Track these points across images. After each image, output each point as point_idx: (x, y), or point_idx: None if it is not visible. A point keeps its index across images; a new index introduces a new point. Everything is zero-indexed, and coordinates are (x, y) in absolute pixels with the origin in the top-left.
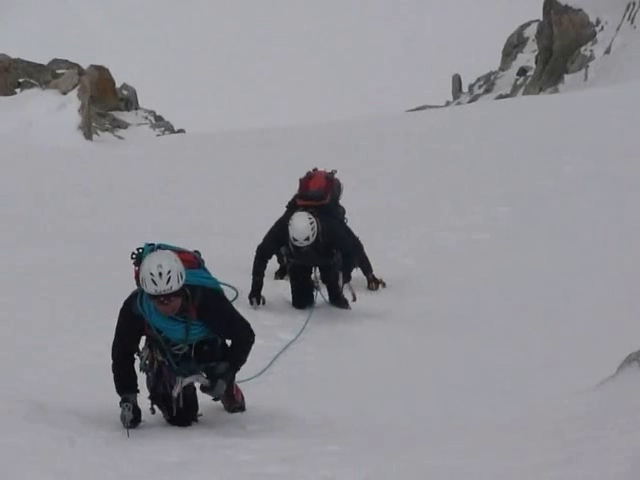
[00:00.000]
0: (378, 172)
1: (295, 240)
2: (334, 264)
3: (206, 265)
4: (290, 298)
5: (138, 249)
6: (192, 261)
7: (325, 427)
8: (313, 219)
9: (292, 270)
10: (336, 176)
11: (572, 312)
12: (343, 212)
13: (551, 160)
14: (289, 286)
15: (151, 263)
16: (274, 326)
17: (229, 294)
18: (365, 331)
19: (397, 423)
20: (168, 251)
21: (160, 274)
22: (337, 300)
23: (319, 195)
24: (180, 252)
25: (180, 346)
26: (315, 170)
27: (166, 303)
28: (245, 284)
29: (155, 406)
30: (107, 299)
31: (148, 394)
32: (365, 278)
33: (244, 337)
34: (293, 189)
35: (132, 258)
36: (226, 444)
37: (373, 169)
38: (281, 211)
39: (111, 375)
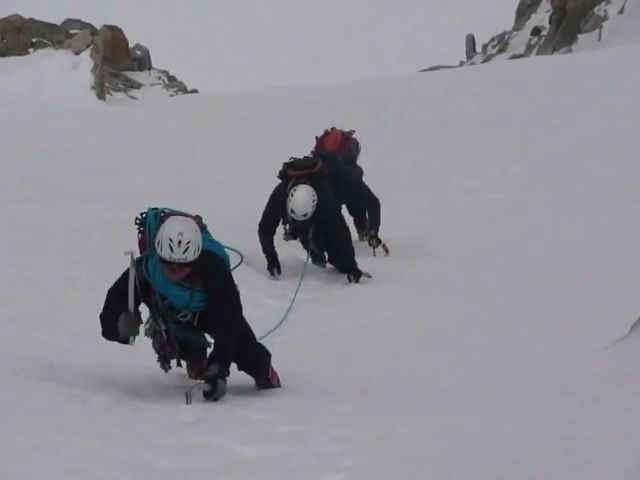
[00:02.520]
0: (390, 132)
1: (293, 213)
2: (331, 229)
3: (211, 230)
4: (303, 257)
5: (142, 214)
6: (196, 225)
7: (337, 387)
8: (316, 195)
9: (292, 234)
10: (354, 136)
11: (585, 272)
12: (360, 172)
13: (564, 120)
14: (300, 246)
15: (172, 229)
16: (284, 286)
17: (234, 258)
18: (377, 291)
19: (409, 383)
20: (190, 219)
21: (179, 242)
22: (351, 271)
23: (310, 162)
24: (185, 215)
25: (184, 313)
26: (333, 129)
27: (177, 270)
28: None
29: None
30: (121, 259)
31: (156, 357)
32: (367, 235)
33: (232, 322)
34: (308, 147)
35: (136, 223)
36: (239, 403)
37: (385, 129)
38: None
39: None
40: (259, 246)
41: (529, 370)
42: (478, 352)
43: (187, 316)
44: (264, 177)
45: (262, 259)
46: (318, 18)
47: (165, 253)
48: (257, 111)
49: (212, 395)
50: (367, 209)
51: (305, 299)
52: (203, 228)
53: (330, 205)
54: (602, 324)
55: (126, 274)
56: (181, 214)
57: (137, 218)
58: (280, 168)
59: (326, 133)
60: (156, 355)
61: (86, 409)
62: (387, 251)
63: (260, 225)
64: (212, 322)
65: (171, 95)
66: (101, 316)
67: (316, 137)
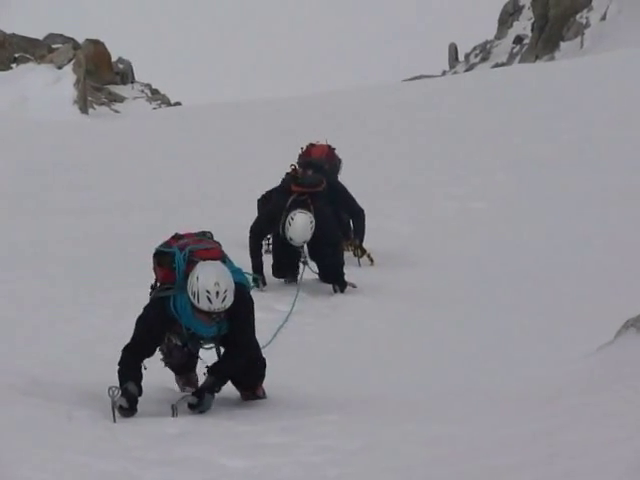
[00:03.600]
0: (375, 141)
1: (291, 240)
2: (323, 242)
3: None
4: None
5: (165, 248)
6: (220, 256)
7: (324, 397)
8: (313, 220)
9: (276, 241)
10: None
11: (570, 279)
12: (343, 188)
13: (548, 127)
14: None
15: (208, 280)
16: (270, 298)
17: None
18: (363, 301)
19: (395, 392)
20: (218, 263)
21: (217, 293)
22: (337, 281)
23: (315, 181)
24: (208, 250)
25: (210, 344)
26: (318, 142)
27: (216, 319)
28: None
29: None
30: (106, 273)
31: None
32: (352, 245)
33: (248, 349)
34: (289, 158)
35: (156, 256)
36: (225, 415)
37: (370, 138)
38: (277, 180)
39: (108, 352)
40: (243, 259)
41: (515, 377)
42: (465, 360)
43: (212, 346)
44: (247, 188)
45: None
46: (299, 28)
47: (204, 305)
48: (240, 123)
49: (197, 408)
50: (352, 219)
51: (293, 311)
52: (225, 256)
53: (329, 224)
54: (587, 330)
55: (148, 319)
56: (204, 248)
57: (160, 252)
58: (271, 180)
59: (312, 145)
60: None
61: (72, 423)
62: (372, 261)
63: (252, 229)
64: (229, 343)
65: (154, 108)
66: (121, 365)
67: (301, 148)
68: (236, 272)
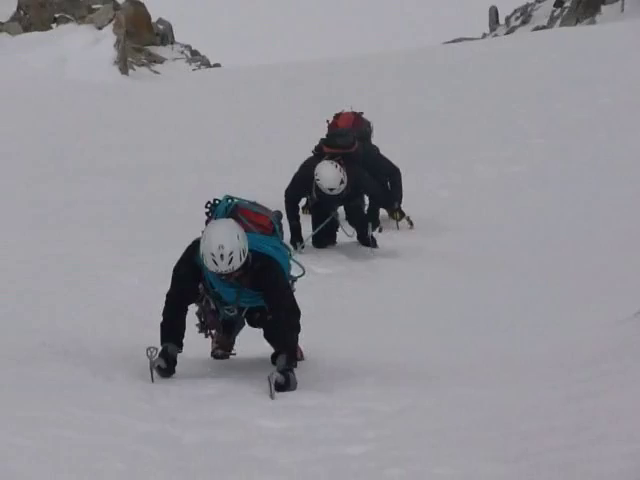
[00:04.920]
0: (415, 105)
1: (327, 189)
2: (358, 205)
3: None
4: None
5: (214, 200)
6: (266, 227)
7: (361, 360)
8: (339, 166)
9: (314, 209)
10: (364, 116)
11: (606, 245)
12: (377, 150)
13: (586, 92)
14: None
15: (212, 241)
16: (307, 259)
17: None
18: (400, 265)
19: (431, 356)
20: (232, 223)
21: (222, 255)
22: (364, 240)
23: (346, 142)
24: (257, 214)
25: (231, 307)
26: (343, 111)
27: (225, 279)
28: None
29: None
30: (143, 234)
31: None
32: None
33: (288, 312)
34: (318, 123)
35: (207, 209)
36: (262, 377)
37: (410, 101)
38: (312, 145)
39: (145, 314)
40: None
41: (551, 342)
42: (499, 325)
43: (233, 311)
44: (286, 152)
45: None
46: None
47: (210, 267)
48: (280, 85)
49: (286, 389)
50: (389, 180)
51: (329, 273)
52: (275, 230)
53: (365, 182)
54: (625, 296)
55: (181, 264)
56: (255, 212)
57: (208, 203)
58: (310, 143)
59: (337, 115)
60: (197, 319)
61: (110, 384)
62: (411, 224)
63: (287, 191)
64: (269, 320)
65: (194, 69)
66: (163, 315)
67: (327, 120)
68: (277, 248)
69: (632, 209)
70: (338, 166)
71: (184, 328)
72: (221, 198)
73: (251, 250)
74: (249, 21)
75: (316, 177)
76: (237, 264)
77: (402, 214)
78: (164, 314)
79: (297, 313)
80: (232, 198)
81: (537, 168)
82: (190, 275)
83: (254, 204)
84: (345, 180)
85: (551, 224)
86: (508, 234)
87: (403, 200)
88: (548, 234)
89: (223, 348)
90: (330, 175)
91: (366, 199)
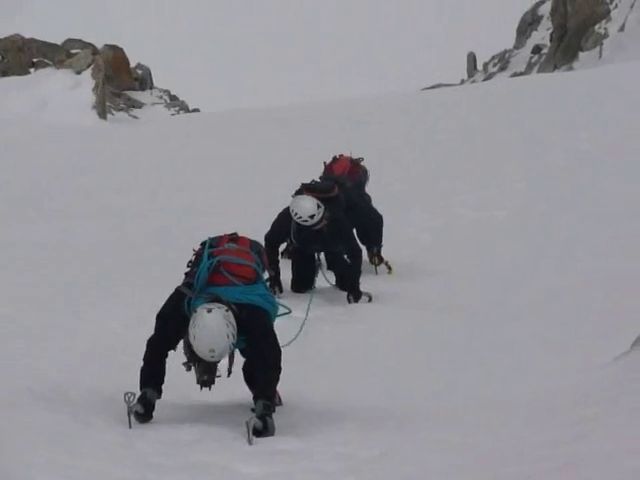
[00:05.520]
0: (395, 148)
1: (299, 217)
2: (339, 252)
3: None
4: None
5: (195, 255)
6: (249, 278)
7: (340, 404)
8: (319, 202)
9: (294, 253)
10: (362, 163)
11: (587, 289)
12: (369, 199)
13: (567, 137)
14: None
15: (203, 343)
16: (287, 304)
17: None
18: (380, 310)
19: (412, 400)
20: (221, 321)
21: (213, 356)
22: (352, 291)
23: (326, 186)
24: (239, 266)
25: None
26: (341, 156)
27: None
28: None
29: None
30: (124, 277)
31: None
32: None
33: (270, 360)
34: (309, 166)
35: (188, 267)
36: (240, 421)
37: (390, 146)
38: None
39: (126, 358)
40: None
41: (532, 387)
42: (481, 369)
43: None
44: (265, 196)
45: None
46: (319, 37)
47: (202, 356)
48: (260, 130)
49: (264, 434)
50: (370, 227)
51: (309, 317)
52: (259, 278)
53: (344, 228)
54: (604, 340)
55: (166, 310)
56: (237, 263)
57: (190, 262)
58: (292, 187)
59: (335, 159)
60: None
61: (89, 429)
62: (390, 269)
63: (266, 236)
64: (252, 363)
65: (172, 114)
66: (144, 360)
67: (324, 162)
68: (262, 295)
69: (611, 252)
70: (314, 199)
71: (164, 374)
72: (205, 239)
73: (236, 303)
74: (228, 66)
75: (292, 211)
76: (226, 354)
77: (381, 259)
78: (145, 359)
79: (278, 356)
80: (214, 244)
81: (518, 212)
82: (175, 325)
83: (235, 248)
84: (322, 211)
85: (532, 267)
86: (489, 279)
87: (383, 244)
88: (529, 277)
89: (208, 373)
90: (306, 204)
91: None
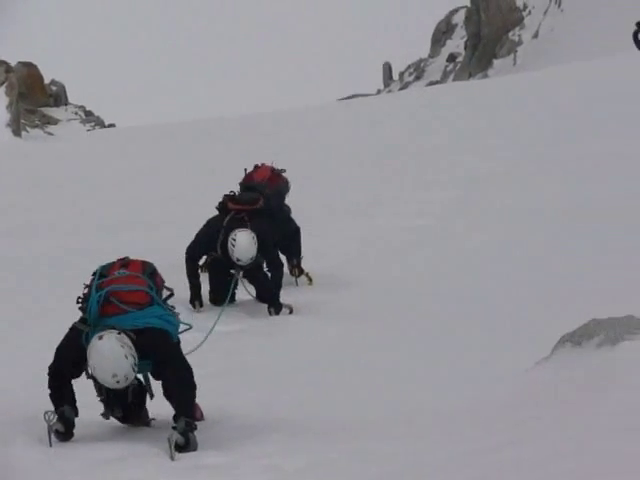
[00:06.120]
0: (316, 161)
1: (239, 260)
2: (259, 264)
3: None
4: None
5: (84, 292)
6: (142, 302)
7: (266, 417)
8: (255, 235)
9: (212, 265)
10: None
11: (507, 297)
12: (289, 210)
13: (484, 144)
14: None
15: (104, 371)
16: (206, 318)
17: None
18: (302, 321)
19: (337, 411)
20: (115, 344)
21: (118, 382)
22: (273, 303)
23: (251, 198)
24: (130, 293)
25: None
26: (263, 164)
27: None
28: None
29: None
30: (36, 299)
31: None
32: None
33: (180, 377)
34: (226, 180)
35: (78, 304)
36: (162, 438)
37: (310, 157)
38: (213, 204)
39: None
40: (180, 280)
41: (457, 394)
42: (407, 379)
43: (131, 385)
44: (184, 210)
45: (184, 292)
46: (232, 48)
47: (106, 384)
48: (173, 144)
49: (187, 449)
50: (289, 239)
51: (229, 330)
52: (153, 300)
53: (268, 242)
54: (527, 345)
55: (65, 341)
56: (127, 290)
57: (80, 298)
58: (210, 200)
59: (256, 167)
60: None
61: (9, 448)
62: (310, 280)
63: (189, 248)
64: (166, 385)
65: (88, 130)
66: (50, 387)
67: (245, 169)
68: (159, 317)
69: (536, 260)
70: (255, 239)
71: (74, 393)
72: (97, 268)
73: (133, 329)
74: (143, 80)
75: (232, 242)
76: (131, 377)
77: (301, 271)
78: (50, 387)
79: (189, 371)
80: (105, 272)
81: (440, 221)
82: (74, 358)
83: (125, 275)
84: (254, 257)
85: (456, 276)
86: (413, 287)
87: (303, 255)
88: (453, 286)
89: (120, 406)
90: (247, 247)
91: None
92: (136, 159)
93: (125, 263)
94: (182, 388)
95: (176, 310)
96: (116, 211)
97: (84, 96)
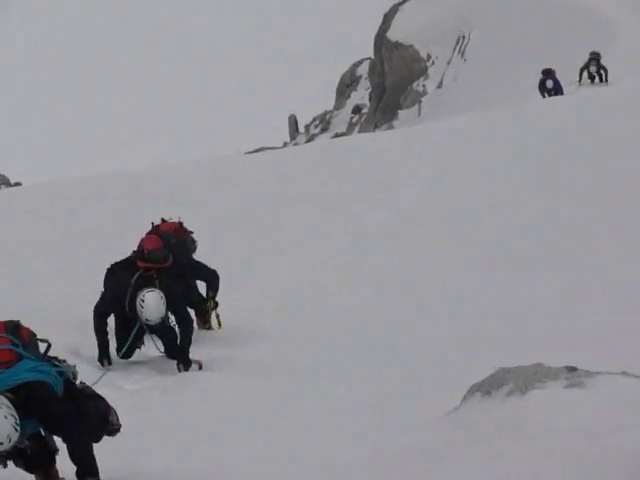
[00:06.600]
0: (219, 216)
1: (148, 321)
2: (167, 326)
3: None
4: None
5: None
6: (10, 359)
7: (176, 475)
8: (163, 295)
9: (117, 319)
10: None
11: (415, 346)
12: (190, 260)
13: (388, 195)
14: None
15: None
16: (116, 375)
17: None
18: (211, 376)
19: (247, 464)
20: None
21: (1, 443)
22: (182, 359)
23: (160, 256)
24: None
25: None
26: (170, 219)
27: None
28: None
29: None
30: None
31: None
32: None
33: (74, 432)
34: (124, 240)
35: None
36: None
37: (211, 214)
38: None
39: None
40: (85, 339)
41: (365, 445)
42: (311, 431)
43: (22, 443)
44: (89, 263)
45: (90, 349)
46: (135, 98)
47: None
48: (77, 201)
49: None
50: (206, 282)
51: (138, 388)
52: (21, 356)
53: (177, 299)
54: (435, 395)
55: None
56: None
57: None
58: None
59: (163, 221)
60: None
61: None
62: (220, 324)
63: (97, 307)
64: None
65: None
66: None
67: (152, 222)
68: (31, 370)
69: (440, 310)
70: (164, 299)
71: None
72: None
73: (9, 389)
74: (47, 138)
75: (140, 303)
76: (15, 439)
77: (216, 304)
78: None
79: (79, 421)
80: None
81: (343, 272)
82: None
83: None
84: (164, 317)
85: (361, 327)
86: (318, 340)
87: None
88: (358, 337)
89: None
90: (155, 307)
91: None
92: (35, 219)
93: None
94: (76, 445)
95: (62, 359)
96: (17, 265)
97: None
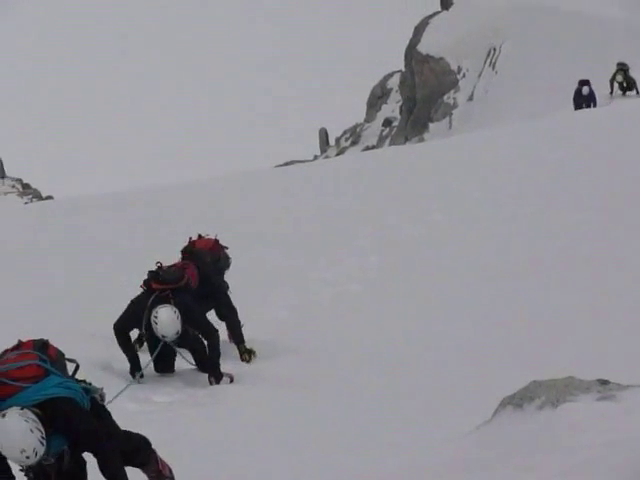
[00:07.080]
0: (249, 228)
1: (165, 337)
2: (193, 336)
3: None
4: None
5: None
6: (37, 374)
7: None
8: (176, 310)
9: (148, 339)
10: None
11: (446, 361)
12: (227, 287)
13: (420, 208)
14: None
15: (9, 445)
16: (146, 389)
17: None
18: (241, 390)
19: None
20: (16, 417)
21: (27, 457)
22: (213, 372)
23: (174, 276)
24: (20, 369)
25: (45, 458)
26: (207, 235)
27: None
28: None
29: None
30: None
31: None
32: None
33: (104, 453)
34: (160, 254)
35: None
36: None
37: (244, 226)
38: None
39: None
40: (112, 354)
41: (394, 461)
42: (347, 444)
43: (50, 460)
44: (121, 284)
45: (121, 364)
46: (165, 113)
47: (17, 463)
48: (110, 215)
49: None
50: (224, 320)
51: (169, 401)
52: (47, 372)
53: (194, 313)
54: (465, 409)
55: None
56: (16, 367)
57: None
58: (143, 277)
59: (200, 237)
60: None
61: None
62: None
63: (115, 325)
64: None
65: (26, 203)
66: None
67: (189, 237)
68: (58, 385)
69: (470, 321)
70: (177, 313)
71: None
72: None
73: (35, 404)
74: (82, 151)
75: (154, 319)
76: (41, 452)
77: (249, 354)
78: None
79: (107, 440)
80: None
81: (373, 286)
82: None
83: (15, 354)
84: (180, 331)
85: (389, 341)
86: (347, 353)
87: (244, 324)
88: (387, 352)
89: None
90: (168, 322)
91: None
92: (69, 232)
93: (17, 345)
94: (106, 463)
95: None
96: (50, 286)
97: (21, 169)
